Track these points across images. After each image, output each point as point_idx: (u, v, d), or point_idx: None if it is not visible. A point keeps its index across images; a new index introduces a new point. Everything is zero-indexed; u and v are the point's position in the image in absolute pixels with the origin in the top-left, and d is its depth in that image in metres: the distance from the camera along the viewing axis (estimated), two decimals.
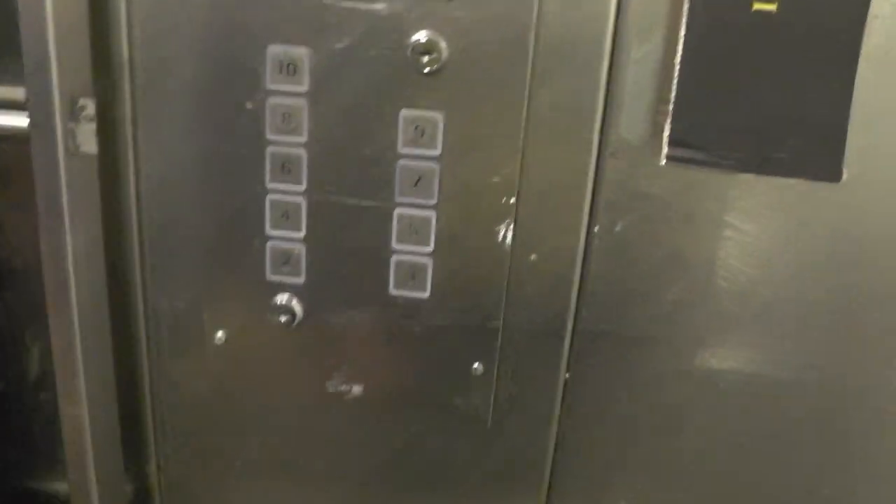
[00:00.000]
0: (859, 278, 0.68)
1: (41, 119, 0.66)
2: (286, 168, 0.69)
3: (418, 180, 0.68)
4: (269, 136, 0.69)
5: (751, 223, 0.68)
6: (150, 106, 0.70)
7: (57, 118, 0.65)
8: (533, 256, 0.70)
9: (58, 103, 0.65)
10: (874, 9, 0.60)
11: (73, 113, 0.66)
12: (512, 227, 0.69)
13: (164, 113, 0.70)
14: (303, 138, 0.68)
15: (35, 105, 0.65)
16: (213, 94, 0.68)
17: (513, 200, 0.68)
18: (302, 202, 0.70)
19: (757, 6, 0.62)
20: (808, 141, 0.64)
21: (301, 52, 0.66)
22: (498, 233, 0.69)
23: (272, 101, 0.68)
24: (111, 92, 0.70)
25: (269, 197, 0.70)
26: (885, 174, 0.66)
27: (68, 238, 0.69)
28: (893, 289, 0.68)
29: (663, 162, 0.65)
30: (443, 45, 0.65)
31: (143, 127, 0.71)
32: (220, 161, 0.70)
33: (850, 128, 0.63)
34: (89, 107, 0.68)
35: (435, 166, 0.68)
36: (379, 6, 0.65)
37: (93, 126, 0.68)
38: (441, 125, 0.67)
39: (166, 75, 0.69)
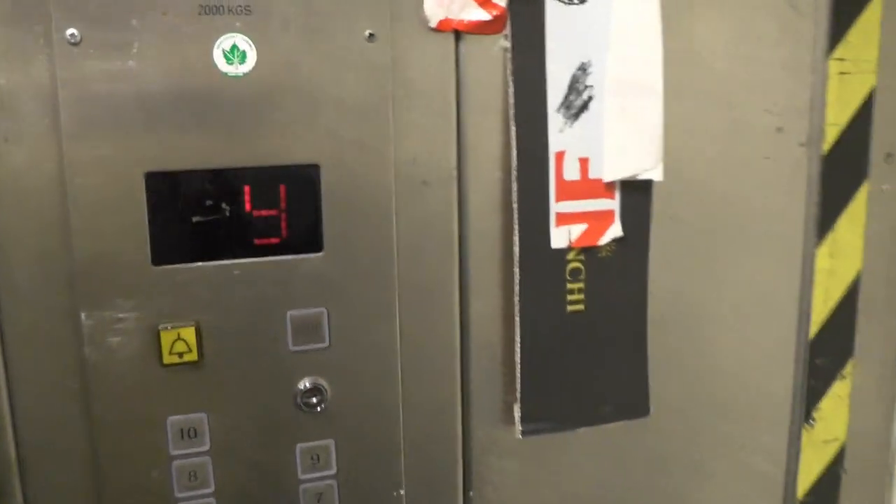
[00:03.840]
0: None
1: None
2: None
3: (320, 497, 0.77)
4: (178, 493, 0.74)
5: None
6: None
7: None
8: None
9: None
10: None
11: None
12: None
13: None
14: (210, 489, 0.75)
15: None
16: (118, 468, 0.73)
17: (403, 491, 0.79)
18: None
19: (570, 308, 0.79)
20: (621, 394, 0.83)
21: (200, 417, 0.73)
22: None
23: (177, 463, 0.73)
24: None
25: None
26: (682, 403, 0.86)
27: None
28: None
29: (519, 437, 0.80)
30: (327, 386, 0.75)
31: None
32: None
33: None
34: None
35: (332, 482, 0.77)
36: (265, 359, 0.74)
37: None
38: (333, 450, 0.77)
39: None
